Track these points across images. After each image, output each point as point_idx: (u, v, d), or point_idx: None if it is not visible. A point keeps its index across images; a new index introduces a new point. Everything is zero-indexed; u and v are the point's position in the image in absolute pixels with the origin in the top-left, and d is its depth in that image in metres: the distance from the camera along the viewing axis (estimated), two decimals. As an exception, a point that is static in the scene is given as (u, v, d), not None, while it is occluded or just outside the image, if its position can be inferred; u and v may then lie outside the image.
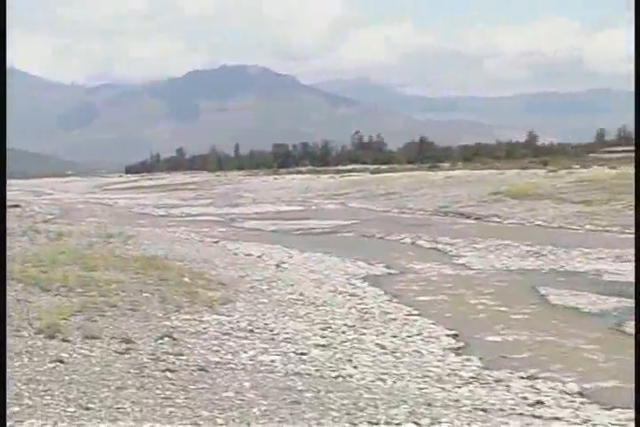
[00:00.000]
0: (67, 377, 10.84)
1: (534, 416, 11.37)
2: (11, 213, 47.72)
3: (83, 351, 12.65)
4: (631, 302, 21.60)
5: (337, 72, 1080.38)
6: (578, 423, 11.22)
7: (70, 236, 33.88)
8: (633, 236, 39.11)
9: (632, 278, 25.89)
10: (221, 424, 9.50)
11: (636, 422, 6.54)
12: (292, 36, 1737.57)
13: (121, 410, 9.67)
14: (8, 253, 23.51)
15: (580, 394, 13.12)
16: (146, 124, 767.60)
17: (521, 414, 11.49)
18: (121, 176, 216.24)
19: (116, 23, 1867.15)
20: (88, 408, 9.58)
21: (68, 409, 9.43)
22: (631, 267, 28.51)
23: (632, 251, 32.38)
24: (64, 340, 13.17)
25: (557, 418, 11.38)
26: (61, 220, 51.18)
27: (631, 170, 67.68)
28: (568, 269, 28.63)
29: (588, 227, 44.80)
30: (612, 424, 11.30)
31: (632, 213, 47.57)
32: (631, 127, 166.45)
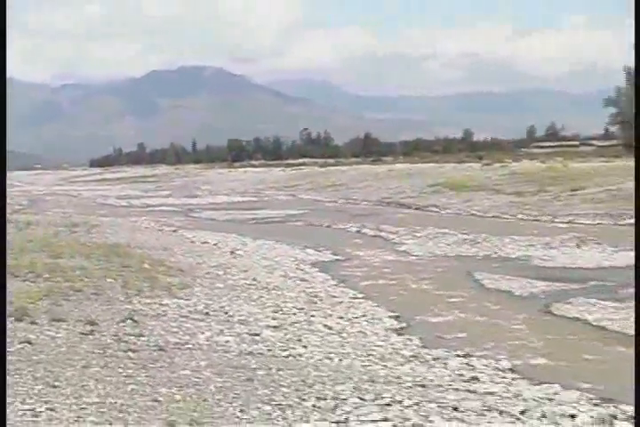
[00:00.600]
0: (34, 357, 10.80)
1: (469, 391, 11.45)
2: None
3: (49, 333, 12.61)
4: (558, 286, 21.82)
5: (287, 72, 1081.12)
6: (509, 397, 11.31)
7: (38, 225, 33.72)
8: (563, 225, 39.55)
9: (559, 264, 26.21)
10: (179, 400, 9.51)
11: (636, 423, 6.31)
12: (246, 38, 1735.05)
13: (85, 388, 9.66)
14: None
15: (512, 370, 13.23)
16: (108, 121, 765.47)
17: (457, 389, 11.56)
18: (85, 170, 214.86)
19: (78, 26, 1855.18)
20: (55, 386, 9.57)
21: (36, 387, 9.41)
22: (558, 253, 28.81)
23: (560, 238, 32.70)
24: (32, 322, 13.12)
25: (491, 393, 11.46)
26: (29, 210, 50.88)
27: (560, 165, 68.34)
28: (501, 255, 28.79)
29: (519, 216, 45.05)
30: (541, 398, 11.40)
31: (561, 203, 48.03)
32: (558, 124, 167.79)
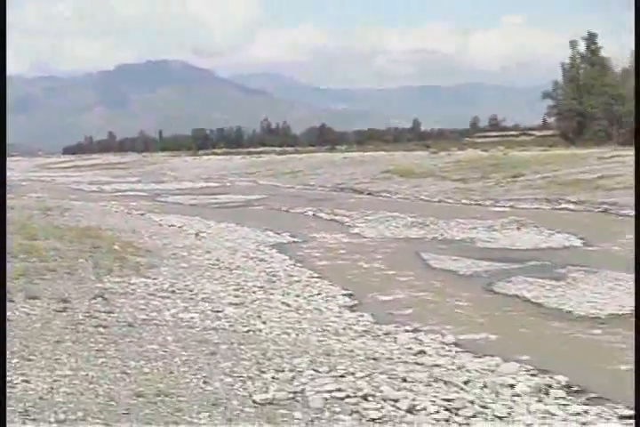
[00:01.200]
0: (11, 333, 10.74)
1: (417, 364, 11.51)
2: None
3: (25, 310, 12.55)
4: (499, 266, 21.94)
5: (249, 67, 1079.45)
6: (454, 369, 11.37)
7: (14, 209, 33.45)
8: (504, 209, 39.75)
9: (500, 245, 26.34)
10: (147, 373, 9.51)
11: (636, 423, 6.09)
12: (210, 35, 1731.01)
13: (58, 361, 9.63)
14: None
15: (456, 344, 13.29)
16: (81, 111, 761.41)
17: (406, 362, 11.61)
18: (59, 157, 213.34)
19: (51, 23, 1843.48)
20: (29, 360, 9.53)
21: (12, 361, 9.36)
22: (499, 235, 28.97)
23: (501, 221, 32.87)
24: (9, 300, 13.03)
25: (437, 365, 11.52)
26: (7, 195, 50.49)
27: (501, 153, 68.65)
28: (447, 237, 28.91)
29: (464, 201, 45.26)
30: (483, 369, 11.48)
31: (502, 189, 48.26)
32: (500, 116, 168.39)
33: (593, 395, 10.55)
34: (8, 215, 27.86)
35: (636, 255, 6.39)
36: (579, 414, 9.68)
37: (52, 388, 8.44)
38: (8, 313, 11.92)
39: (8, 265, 15.91)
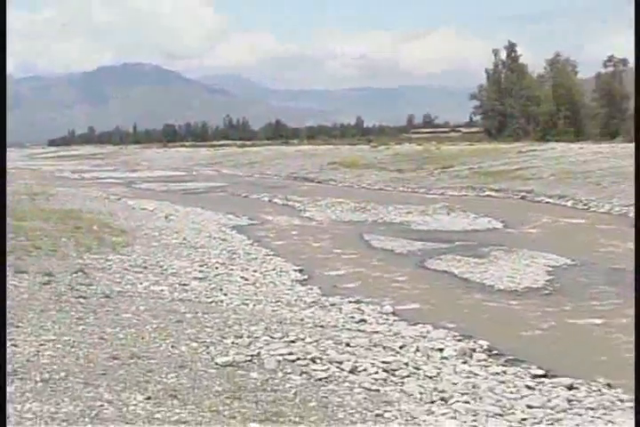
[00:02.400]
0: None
1: (359, 331, 11.56)
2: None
3: (13, 283, 12.46)
4: (431, 245, 22.04)
5: (213, 69, 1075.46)
6: (391, 335, 11.43)
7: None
8: (436, 196, 39.94)
9: (432, 227, 26.43)
10: (121, 338, 9.49)
11: (636, 422, 5.62)
12: (179, 41, 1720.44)
13: (44, 328, 9.59)
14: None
15: (393, 314, 13.37)
16: (64, 108, 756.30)
17: (349, 329, 11.67)
18: (44, 148, 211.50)
19: (36, 27, 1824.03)
20: (18, 326, 9.48)
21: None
22: (431, 219, 29.08)
23: (433, 207, 32.98)
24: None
25: (376, 332, 11.58)
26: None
27: (434, 147, 68.88)
28: (386, 220, 29.00)
29: (400, 189, 45.39)
30: (416, 336, 11.55)
31: (434, 178, 48.40)
32: (433, 115, 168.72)
33: (510, 357, 10.68)
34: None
35: (635, 255, 6.19)
36: (498, 373, 9.80)
37: (38, 351, 8.40)
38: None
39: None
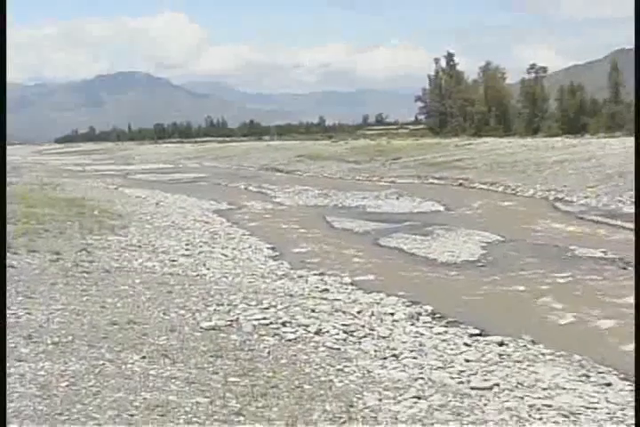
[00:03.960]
0: (16, 277, 10.61)
1: (322, 298, 11.60)
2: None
3: (27, 260, 12.39)
4: (383, 225, 22.10)
5: (196, 76, 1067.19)
6: (350, 302, 11.48)
7: (17, 185, 32.90)
8: (387, 184, 40.00)
9: (384, 210, 26.50)
10: (119, 306, 9.48)
11: (636, 422, 5.31)
12: (167, 51, 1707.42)
13: (54, 298, 9.57)
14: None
15: (352, 284, 13.41)
16: (67, 110, 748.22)
17: (314, 297, 11.70)
18: (51, 145, 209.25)
19: (41, 42, 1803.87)
20: (31, 297, 9.45)
21: (18, 298, 9.28)
22: (383, 203, 29.15)
23: (385, 193, 33.04)
24: (14, 253, 12.84)
25: (337, 299, 11.62)
26: (11, 173, 49.35)
27: (385, 142, 68.93)
28: (345, 204, 29.04)
29: (357, 178, 45.40)
30: (371, 302, 11.61)
31: (385, 168, 48.43)
32: (384, 113, 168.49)
33: (451, 320, 10.76)
34: (13, 190, 27.50)
35: (635, 254, 6.04)
36: (440, 333, 9.88)
37: (49, 318, 8.39)
38: (14, 262, 11.81)
39: (14, 227, 15.73)
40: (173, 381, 6.55)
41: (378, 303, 11.59)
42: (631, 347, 9.53)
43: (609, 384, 8.01)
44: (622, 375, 8.34)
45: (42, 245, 14.18)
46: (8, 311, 8.50)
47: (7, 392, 5.67)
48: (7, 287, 9.87)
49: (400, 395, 7.07)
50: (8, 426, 4.48)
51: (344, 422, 6.04)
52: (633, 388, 7.81)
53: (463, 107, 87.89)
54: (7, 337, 7.35)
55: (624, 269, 14.64)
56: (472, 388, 7.55)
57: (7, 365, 6.40)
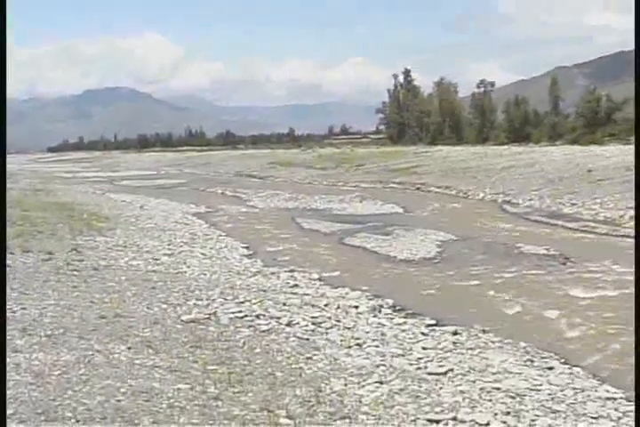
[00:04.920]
0: (11, 275, 10.53)
1: (293, 293, 11.61)
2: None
3: (21, 260, 12.30)
4: (348, 226, 22.13)
5: (176, 91, 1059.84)
6: (318, 296, 11.51)
7: (13, 190, 32.58)
8: (351, 188, 40.09)
9: (349, 212, 26.53)
10: (107, 301, 9.44)
11: (635, 423, 5.11)
12: (148, 68, 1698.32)
13: (46, 294, 9.51)
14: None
15: (319, 279, 13.42)
16: (59, 122, 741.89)
17: (285, 292, 11.71)
18: (44, 154, 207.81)
19: (35, 59, 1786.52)
20: (25, 293, 9.39)
21: (13, 294, 9.21)
22: (348, 206, 29.20)
23: (349, 196, 33.09)
24: (10, 253, 12.74)
25: (306, 294, 11.64)
26: (8, 180, 48.86)
27: (349, 150, 69.09)
28: (312, 207, 29.06)
29: (324, 182, 45.44)
30: (337, 296, 11.64)
31: (349, 174, 48.52)
32: (348, 124, 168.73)
33: (410, 311, 10.81)
34: (9, 195, 27.23)
35: (635, 254, 5.89)
36: (400, 324, 9.93)
37: (42, 313, 8.35)
38: (10, 262, 11.69)
39: (10, 229, 15.59)
40: (157, 369, 6.54)
41: (343, 297, 11.62)
42: (572, 334, 9.68)
43: (551, 368, 8.11)
44: (563, 360, 8.46)
45: (35, 246, 14.08)
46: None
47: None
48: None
49: (364, 380, 7.12)
50: (8, 426, 4.38)
51: (313, 406, 6.07)
52: (633, 384, 7.85)
53: (420, 118, 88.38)
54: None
55: (564, 264, 14.82)
56: (429, 373, 7.61)
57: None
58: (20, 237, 15.04)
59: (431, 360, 8.11)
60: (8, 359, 6.23)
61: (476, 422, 6.21)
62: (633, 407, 6.93)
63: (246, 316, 9.45)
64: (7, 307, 8.41)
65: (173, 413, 5.37)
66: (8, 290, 9.48)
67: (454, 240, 18.77)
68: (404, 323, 9.99)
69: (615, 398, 7.15)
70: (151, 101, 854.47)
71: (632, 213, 21.97)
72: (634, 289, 5.62)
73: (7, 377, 5.71)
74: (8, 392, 5.33)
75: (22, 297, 9.15)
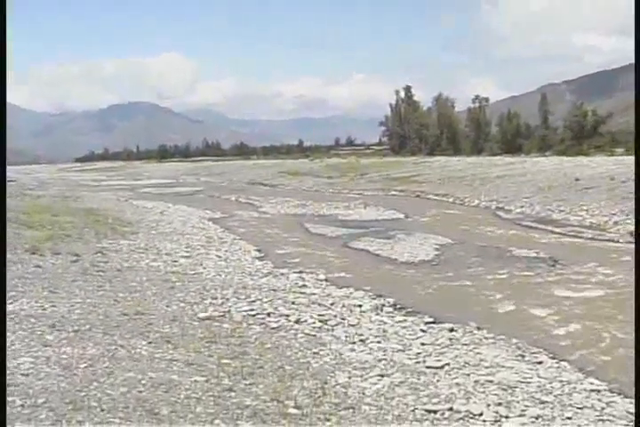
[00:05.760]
0: (42, 275, 10.59)
1: (301, 293, 11.62)
2: (10, 185, 45.98)
3: (51, 261, 12.35)
4: (352, 231, 22.10)
5: (193, 105, 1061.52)
6: (324, 296, 11.52)
7: (44, 197, 32.70)
8: (355, 195, 40.09)
9: (353, 218, 26.51)
10: (129, 300, 9.47)
11: (635, 423, 4.91)
12: (168, 84, 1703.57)
13: (73, 293, 9.54)
14: (10, 205, 22.56)
15: (326, 280, 13.42)
16: (86, 134, 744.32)
17: (294, 291, 11.73)
18: (72, 164, 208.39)
19: (65, 77, 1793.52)
20: (54, 292, 9.43)
21: (44, 293, 9.25)
22: (352, 212, 29.17)
23: (354, 203, 33.08)
24: (40, 255, 12.80)
25: (314, 293, 11.65)
26: (39, 188, 49.02)
27: (354, 160, 69.09)
28: (320, 213, 29.02)
29: (330, 190, 45.40)
30: (342, 296, 11.65)
31: (354, 182, 48.50)
32: (353, 136, 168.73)
33: (410, 310, 10.81)
34: (40, 201, 27.31)
35: (635, 254, 5.75)
36: (400, 321, 9.93)
37: (70, 310, 8.38)
38: (40, 263, 11.77)
39: (41, 233, 15.65)
40: (175, 363, 6.57)
41: (348, 297, 11.63)
42: (560, 331, 9.67)
43: (540, 362, 8.12)
44: (551, 355, 8.46)
45: (64, 248, 14.13)
46: (35, 304, 8.49)
47: (36, 372, 5.69)
48: (35, 284, 9.86)
49: (366, 374, 7.14)
50: (8, 426, 4.32)
51: (319, 397, 6.09)
52: (615, 378, 7.89)
53: (419, 130, 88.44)
54: (35, 326, 7.36)
55: (553, 266, 14.81)
56: (427, 367, 7.63)
57: (35, 349, 6.42)
58: (50, 240, 15.10)
59: (429, 355, 8.12)
60: (39, 353, 6.27)
61: (471, 413, 6.22)
62: (617, 398, 6.97)
63: (258, 314, 9.47)
64: (38, 305, 8.46)
65: (190, 403, 5.40)
66: (39, 289, 9.54)
67: (451, 244, 18.76)
68: (405, 320, 10.00)
69: (599, 390, 7.16)
70: (170, 115, 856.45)
71: (616, 218, 21.97)
72: (634, 289, 5.53)
73: (38, 370, 5.75)
74: (38, 383, 5.38)
75: (52, 296, 9.19)
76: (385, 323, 9.77)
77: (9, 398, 4.96)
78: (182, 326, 8.24)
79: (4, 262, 6.84)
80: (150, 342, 7.20)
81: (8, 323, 7.35)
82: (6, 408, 4.47)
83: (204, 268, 13.90)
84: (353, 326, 9.45)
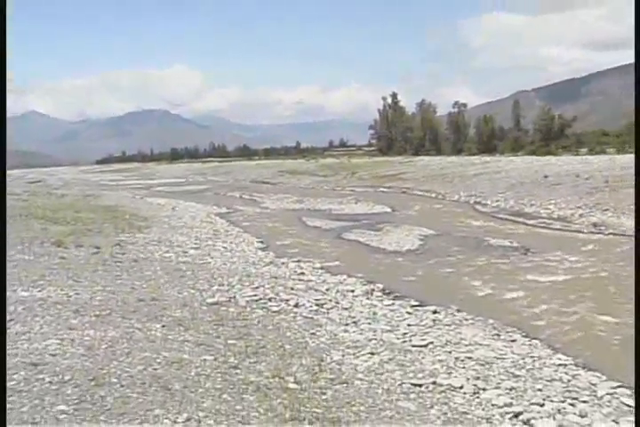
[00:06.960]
0: (66, 266, 10.57)
1: (299, 280, 11.64)
2: (37, 185, 45.74)
3: (74, 253, 12.33)
4: (345, 224, 22.10)
5: (201, 111, 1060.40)
6: (320, 282, 11.53)
7: (67, 196, 32.67)
8: (348, 192, 40.07)
9: (345, 212, 26.48)
10: (145, 287, 9.47)
11: (636, 423, 4.69)
12: (178, 93, 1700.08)
13: (94, 281, 9.53)
14: (38, 203, 22.41)
15: (322, 268, 13.44)
16: (104, 139, 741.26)
17: (293, 279, 11.74)
18: (92, 166, 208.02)
19: (86, 88, 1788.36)
20: (77, 281, 9.41)
21: (68, 282, 9.24)
22: (345, 207, 29.15)
23: (346, 199, 33.07)
24: (65, 248, 12.78)
25: (310, 280, 11.67)
26: (63, 187, 48.97)
27: (346, 160, 69.01)
28: (316, 208, 29.01)
29: (325, 187, 45.39)
30: (336, 282, 11.66)
31: (346, 180, 48.48)
32: (345, 138, 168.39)
33: (397, 294, 10.83)
34: (64, 200, 27.22)
35: (635, 254, 5.72)
36: (389, 305, 9.95)
37: (92, 297, 8.37)
38: (65, 255, 11.75)
39: (65, 228, 15.63)
40: (186, 343, 6.58)
41: (341, 283, 11.65)
42: (531, 312, 9.69)
43: (514, 341, 8.15)
44: (524, 334, 8.50)
45: (86, 241, 14.11)
46: (61, 292, 8.47)
47: (62, 353, 5.69)
48: (61, 274, 9.84)
49: (358, 352, 7.16)
50: (8, 426, 4.10)
51: (316, 373, 6.10)
52: (581, 353, 7.92)
53: (405, 133, 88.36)
54: (61, 312, 7.35)
55: (525, 254, 14.84)
56: (413, 345, 7.65)
57: (61, 332, 6.41)
58: (73, 234, 15.08)
59: (415, 335, 8.14)
60: (65, 336, 6.27)
61: (452, 386, 6.25)
62: (581, 371, 6.99)
63: (260, 299, 9.48)
64: (63, 292, 8.45)
65: (200, 379, 5.41)
66: (64, 278, 9.52)
67: (434, 235, 18.78)
68: (392, 304, 10.02)
69: (566, 365, 7.20)
70: (181, 121, 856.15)
71: (581, 211, 22.01)
72: (634, 289, 5.40)
73: (64, 350, 5.75)
74: (65, 362, 5.37)
75: (75, 284, 9.18)
76: (375, 306, 9.78)
77: (40, 376, 4.96)
78: (192, 310, 8.24)
79: (4, 262, 6.40)
80: (164, 325, 7.21)
81: (37, 309, 7.36)
82: (6, 408, 4.25)
83: (212, 258, 13.90)
84: (346, 309, 9.46)
